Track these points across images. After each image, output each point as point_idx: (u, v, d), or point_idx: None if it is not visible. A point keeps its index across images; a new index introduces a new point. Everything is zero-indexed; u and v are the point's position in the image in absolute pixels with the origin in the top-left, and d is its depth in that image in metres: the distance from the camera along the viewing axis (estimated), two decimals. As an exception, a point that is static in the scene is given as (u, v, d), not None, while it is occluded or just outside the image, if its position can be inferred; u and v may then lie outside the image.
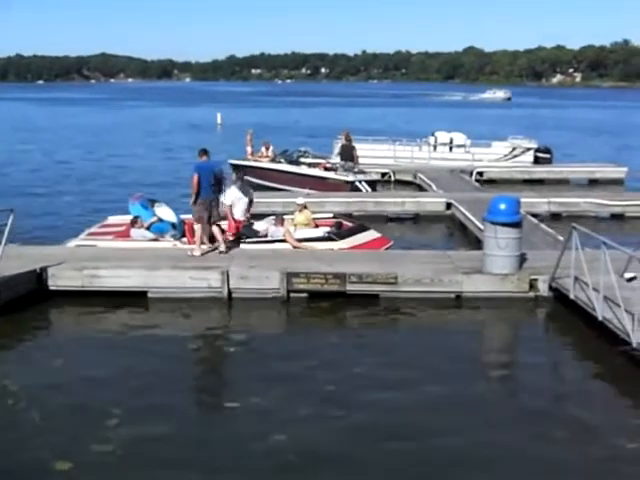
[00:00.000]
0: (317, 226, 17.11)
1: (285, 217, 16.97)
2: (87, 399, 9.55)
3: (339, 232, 16.43)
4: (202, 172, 14.97)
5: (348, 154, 27.28)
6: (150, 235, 16.03)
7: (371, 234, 16.84)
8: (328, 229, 16.67)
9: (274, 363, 10.84)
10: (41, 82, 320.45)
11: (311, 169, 27.15)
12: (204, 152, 15.27)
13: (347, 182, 25.81)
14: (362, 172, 26.93)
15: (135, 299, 13.51)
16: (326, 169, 27.08)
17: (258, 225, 17.04)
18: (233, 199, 16.46)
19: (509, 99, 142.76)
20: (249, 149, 30.12)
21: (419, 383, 10.15)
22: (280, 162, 28.10)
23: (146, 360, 11.00)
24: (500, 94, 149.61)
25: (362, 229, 16.98)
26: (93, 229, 17.12)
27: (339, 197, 23.36)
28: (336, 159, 29.31)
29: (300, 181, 26.21)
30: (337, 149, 31.29)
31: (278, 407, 9.31)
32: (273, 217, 17.28)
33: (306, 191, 24.24)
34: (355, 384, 10.07)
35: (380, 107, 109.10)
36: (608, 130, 64.03)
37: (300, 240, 15.86)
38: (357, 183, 25.79)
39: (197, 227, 15.02)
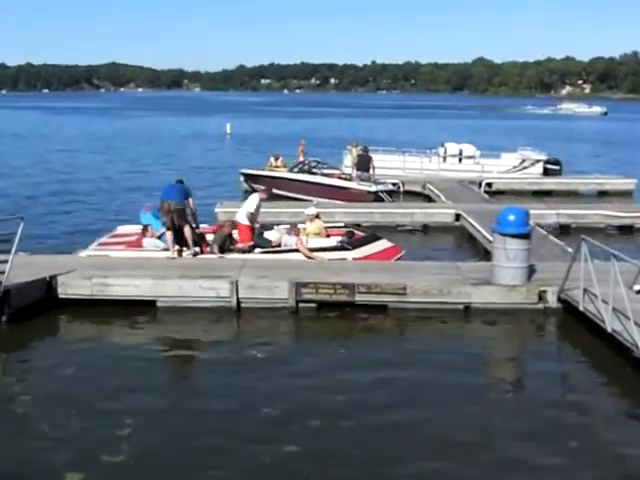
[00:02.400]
0: (328, 236, 17.13)
1: (300, 226, 16.98)
2: (97, 408, 9.56)
3: (352, 242, 16.46)
4: (164, 189, 16.21)
5: (365, 165, 27.47)
6: (162, 244, 16.09)
7: (383, 243, 16.87)
8: (340, 239, 16.68)
9: (283, 373, 10.84)
10: (46, 91, 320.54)
11: (334, 179, 27.25)
12: (178, 181, 16.50)
13: (370, 192, 25.94)
14: (379, 182, 27.08)
15: (144, 308, 13.54)
16: (340, 179, 27.21)
17: (270, 234, 17.06)
18: (255, 207, 16.70)
19: (605, 114, 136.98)
20: (301, 159, 30.10)
21: (428, 395, 10.16)
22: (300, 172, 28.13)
23: (155, 369, 11.03)
24: (597, 108, 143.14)
25: (374, 238, 17.00)
26: (104, 239, 17.13)
27: (348, 207, 23.42)
28: (347, 169, 29.46)
29: (321, 191, 26.32)
30: (348, 159, 31.42)
31: (289, 417, 9.31)
32: (285, 227, 17.31)
33: (315, 201, 24.32)
34: (365, 395, 10.05)
35: (448, 119, 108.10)
36: None
37: (313, 250, 15.87)
38: (380, 193, 25.98)
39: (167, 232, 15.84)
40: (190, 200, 15.99)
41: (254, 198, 17.11)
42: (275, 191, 27.41)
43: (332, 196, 25.71)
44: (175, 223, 15.62)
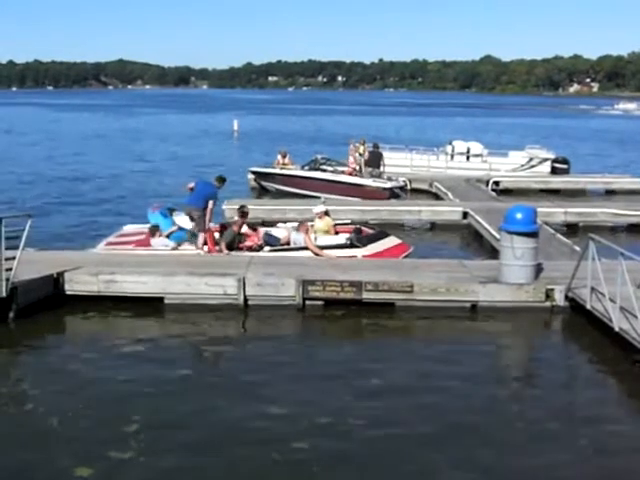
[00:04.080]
0: (337, 233, 17.11)
1: (308, 224, 16.95)
2: (105, 405, 9.57)
3: (361, 239, 16.44)
4: (198, 185, 16.52)
5: (376, 162, 27.54)
6: (172, 243, 16.08)
7: (392, 240, 16.88)
8: (349, 236, 16.66)
9: (289, 371, 10.85)
10: (50, 88, 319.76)
11: (350, 176, 27.32)
12: (218, 178, 16.76)
13: (385, 189, 25.98)
14: (392, 179, 27.14)
15: (152, 305, 13.55)
16: (353, 176, 27.30)
17: (278, 232, 17.03)
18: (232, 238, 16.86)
19: None
20: (351, 159, 30.15)
21: (434, 392, 10.14)
22: (315, 170, 28.06)
23: (162, 366, 11.02)
24: None
25: (383, 235, 17.00)
26: (111, 238, 17.06)
27: (355, 205, 23.46)
28: (357, 166, 29.51)
29: (336, 188, 26.37)
30: (356, 156, 31.41)
31: (296, 415, 9.31)
32: (293, 225, 17.28)
33: (322, 198, 24.31)
34: (371, 393, 10.05)
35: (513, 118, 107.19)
36: None
37: (323, 247, 15.87)
38: (395, 189, 26.06)
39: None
40: (210, 202, 16.03)
41: (229, 231, 16.86)
42: (288, 189, 27.47)
43: (347, 193, 25.78)
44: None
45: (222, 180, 16.69)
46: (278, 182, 28.67)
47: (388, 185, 26.32)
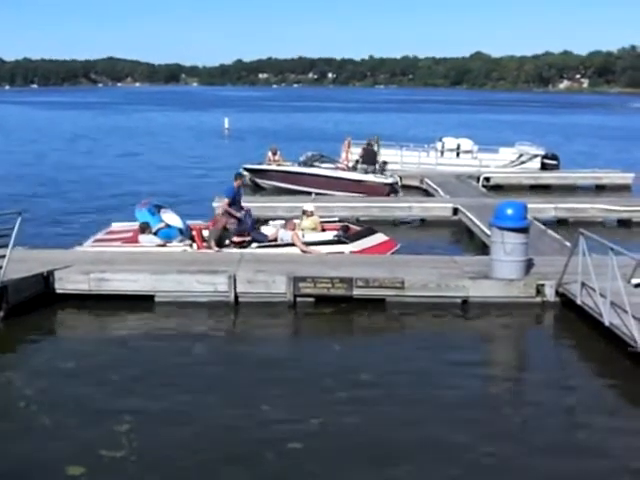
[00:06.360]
0: (324, 230, 17.15)
1: (295, 221, 16.99)
2: (97, 403, 9.55)
3: (349, 235, 16.50)
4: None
5: (371, 158, 27.52)
6: (159, 241, 16.06)
7: (379, 237, 16.93)
8: (336, 233, 16.71)
9: (281, 368, 10.84)
10: (35, 86, 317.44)
11: (351, 172, 27.32)
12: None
13: (386, 184, 25.97)
14: (389, 175, 27.19)
15: (142, 303, 13.53)
16: (350, 172, 27.33)
17: (266, 229, 17.09)
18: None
19: None
20: (344, 155, 29.94)
21: (426, 389, 10.16)
22: (312, 166, 28.00)
23: (154, 364, 11.01)
24: None
25: (370, 232, 17.04)
26: (99, 235, 17.04)
27: (346, 202, 23.42)
28: (349, 163, 29.49)
29: (336, 185, 26.30)
30: (345, 153, 31.39)
31: (288, 413, 9.31)
32: (281, 222, 17.34)
33: (312, 195, 24.28)
34: (363, 390, 10.06)
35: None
36: None
37: (311, 243, 15.90)
38: (395, 185, 26.11)
39: None
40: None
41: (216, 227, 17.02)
42: (285, 186, 27.37)
43: (347, 189, 25.72)
44: None
45: (236, 176, 17.67)
46: (275, 179, 28.51)
47: (389, 180, 26.36)
